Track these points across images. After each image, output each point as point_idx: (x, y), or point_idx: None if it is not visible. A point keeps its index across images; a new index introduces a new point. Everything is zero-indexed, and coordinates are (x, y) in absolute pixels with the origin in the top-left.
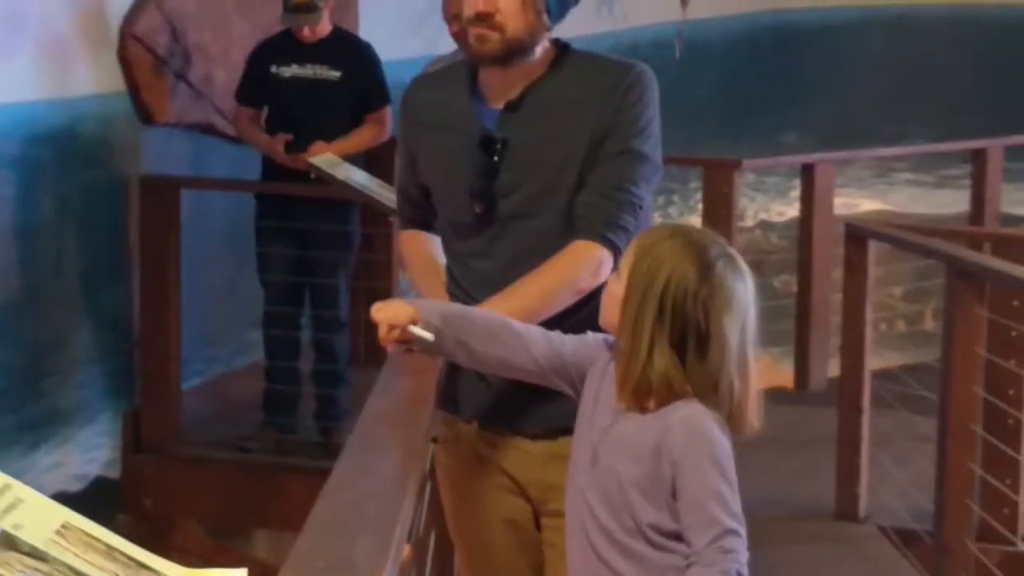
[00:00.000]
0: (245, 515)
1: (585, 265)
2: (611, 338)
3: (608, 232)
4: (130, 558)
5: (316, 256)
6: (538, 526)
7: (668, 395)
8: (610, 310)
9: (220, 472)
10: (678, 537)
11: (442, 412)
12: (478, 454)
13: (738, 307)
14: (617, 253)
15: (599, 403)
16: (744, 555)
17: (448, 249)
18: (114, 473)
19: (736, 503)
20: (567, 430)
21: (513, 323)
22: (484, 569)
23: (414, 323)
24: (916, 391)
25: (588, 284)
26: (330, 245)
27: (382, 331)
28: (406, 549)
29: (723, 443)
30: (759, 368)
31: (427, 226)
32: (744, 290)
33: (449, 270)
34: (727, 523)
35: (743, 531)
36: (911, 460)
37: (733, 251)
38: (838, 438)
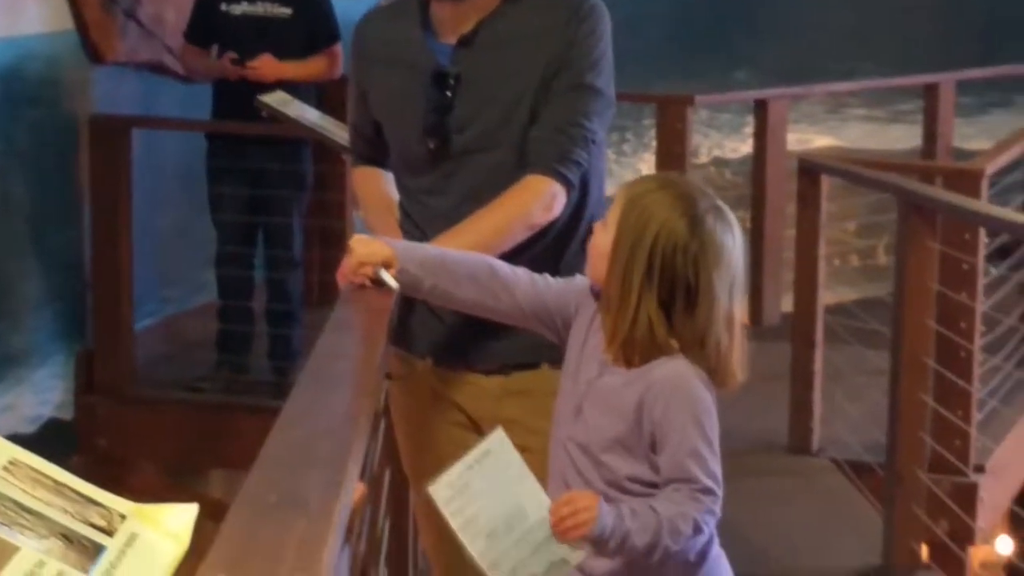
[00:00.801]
0: (199, 455)
1: (538, 199)
2: (597, 286)
3: (560, 166)
4: (79, 494)
5: (269, 195)
6: None
7: (654, 350)
8: (597, 263)
9: (174, 412)
10: (657, 487)
11: (396, 349)
12: (432, 390)
13: (727, 262)
14: (570, 187)
15: (585, 353)
16: (712, 516)
17: (401, 185)
18: (67, 415)
19: (715, 463)
20: (521, 365)
21: (498, 267)
22: None
23: (388, 267)
24: (869, 325)
25: (541, 219)
26: (283, 184)
27: (351, 264)
28: (361, 486)
29: (706, 402)
30: (744, 320)
31: (379, 163)
32: (733, 244)
33: (402, 206)
34: (704, 482)
35: (719, 492)
36: (864, 393)
37: (722, 204)
38: (791, 372)
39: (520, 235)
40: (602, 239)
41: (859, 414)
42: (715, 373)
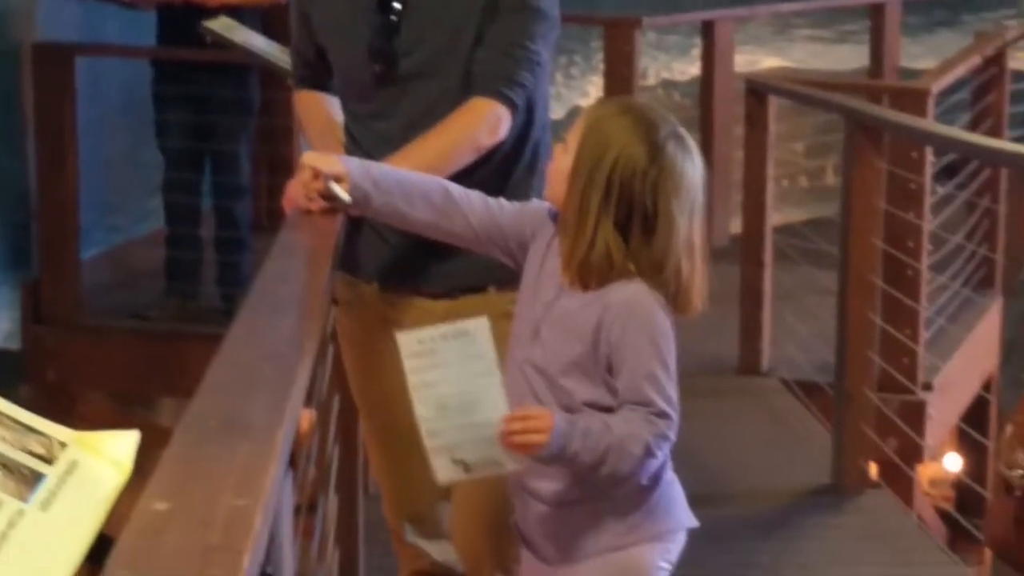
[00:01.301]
0: (149, 383)
1: (483, 121)
2: (555, 209)
3: (505, 88)
4: (17, 422)
5: (215, 122)
6: None
7: (611, 274)
8: (556, 184)
9: (122, 341)
10: (613, 411)
11: (342, 274)
12: (380, 315)
13: (687, 189)
14: (515, 109)
15: (542, 276)
16: (665, 440)
17: (346, 110)
18: (14, 345)
19: (672, 388)
20: (469, 289)
21: (452, 189)
22: (388, 431)
23: (339, 181)
24: (818, 245)
25: (487, 141)
26: (229, 110)
27: (303, 176)
28: (309, 413)
29: (663, 325)
30: (707, 247)
31: (323, 86)
32: (694, 171)
33: (348, 130)
34: (659, 405)
35: (675, 416)
36: (813, 314)
37: (682, 130)
38: (741, 294)
39: (467, 158)
40: (562, 161)
41: (808, 334)
42: (675, 299)
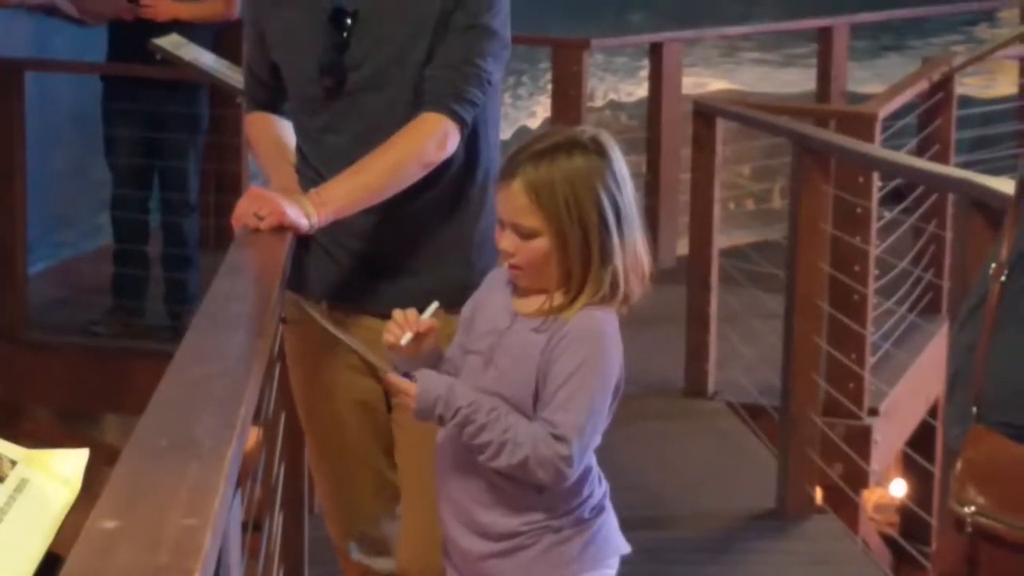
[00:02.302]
0: (95, 400)
1: (431, 136)
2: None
3: (455, 104)
4: None
5: (164, 138)
6: (389, 407)
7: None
8: (542, 268)
9: (69, 357)
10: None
11: (291, 293)
12: (327, 334)
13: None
14: (463, 126)
15: (491, 308)
16: (553, 469)
17: (298, 126)
18: None
19: (587, 419)
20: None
21: None
22: (334, 452)
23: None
24: (764, 268)
25: (434, 156)
26: (178, 127)
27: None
28: (255, 431)
29: (610, 358)
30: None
31: (275, 108)
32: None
33: (299, 149)
34: (560, 429)
35: (574, 448)
36: (759, 337)
37: (591, 129)
38: (687, 316)
39: (415, 174)
40: (532, 247)
41: (754, 357)
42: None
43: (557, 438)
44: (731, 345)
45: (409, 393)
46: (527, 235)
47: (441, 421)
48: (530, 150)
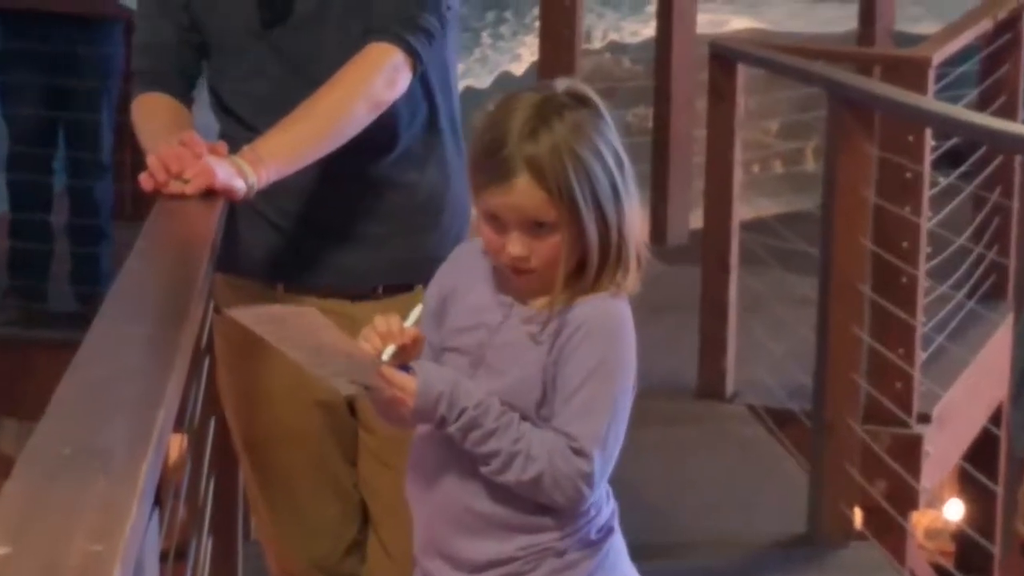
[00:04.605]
0: None
1: (378, 70)
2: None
3: (406, 32)
4: None
5: (72, 85)
6: (352, 411)
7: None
8: (553, 266)
9: None
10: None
11: (226, 276)
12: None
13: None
14: (416, 58)
15: (477, 302)
16: (573, 489)
17: (221, 78)
18: None
19: (608, 425)
20: (393, 288)
21: None
22: (282, 471)
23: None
24: (794, 245)
25: (384, 94)
26: (89, 72)
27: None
28: (178, 440)
29: (629, 348)
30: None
31: (178, 89)
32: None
33: (218, 104)
34: (581, 442)
35: (596, 463)
36: (787, 328)
37: (557, 83)
38: (701, 302)
39: (363, 116)
40: (545, 243)
41: (781, 352)
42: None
43: (577, 452)
44: (754, 338)
45: (407, 389)
46: (544, 232)
47: (442, 424)
48: (514, 132)
